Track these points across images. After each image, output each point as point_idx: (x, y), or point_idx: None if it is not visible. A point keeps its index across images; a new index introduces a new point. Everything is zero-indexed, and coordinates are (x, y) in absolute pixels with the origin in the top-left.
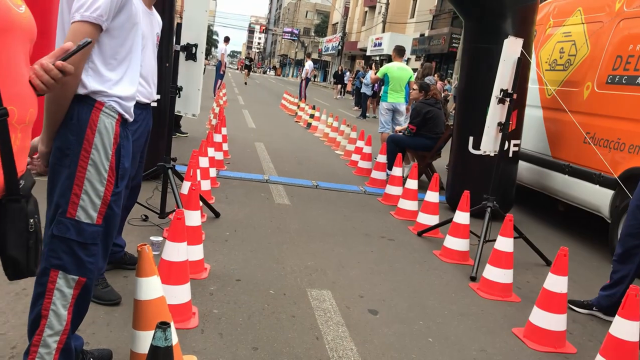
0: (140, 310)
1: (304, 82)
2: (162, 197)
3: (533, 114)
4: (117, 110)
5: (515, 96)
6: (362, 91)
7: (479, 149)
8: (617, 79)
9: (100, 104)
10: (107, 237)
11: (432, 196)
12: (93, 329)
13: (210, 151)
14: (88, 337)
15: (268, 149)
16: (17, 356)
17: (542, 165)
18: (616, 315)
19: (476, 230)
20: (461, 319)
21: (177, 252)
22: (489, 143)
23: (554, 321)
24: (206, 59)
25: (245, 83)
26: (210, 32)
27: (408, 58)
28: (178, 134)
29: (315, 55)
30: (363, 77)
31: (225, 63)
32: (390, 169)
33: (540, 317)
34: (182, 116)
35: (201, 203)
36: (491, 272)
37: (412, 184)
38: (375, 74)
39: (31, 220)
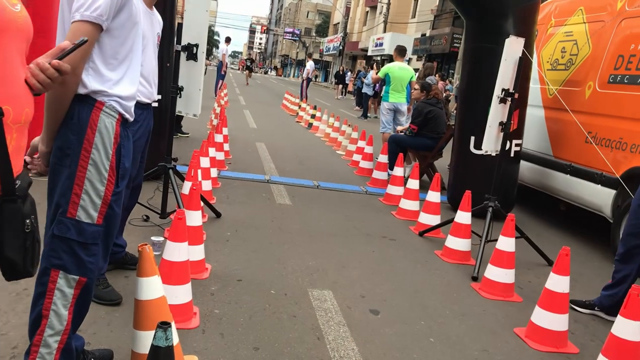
0: (141, 310)
1: (305, 82)
2: (163, 198)
3: (535, 114)
4: (117, 110)
5: (516, 96)
6: (363, 91)
7: (481, 149)
8: (618, 79)
9: (101, 103)
10: (107, 237)
11: (434, 196)
12: (94, 329)
13: (212, 151)
14: (89, 337)
15: (269, 149)
16: (18, 356)
17: (544, 165)
18: (618, 315)
19: (478, 230)
20: (463, 319)
21: (178, 252)
22: (491, 143)
23: (556, 321)
24: (207, 59)
25: (247, 83)
26: (212, 33)
27: (409, 58)
28: (179, 134)
29: (316, 56)
30: (364, 77)
31: (227, 63)
32: (391, 169)
33: (542, 317)
34: (183, 116)
35: (202, 203)
36: (493, 272)
37: (413, 184)
38: (377, 74)
39: (27, 221)
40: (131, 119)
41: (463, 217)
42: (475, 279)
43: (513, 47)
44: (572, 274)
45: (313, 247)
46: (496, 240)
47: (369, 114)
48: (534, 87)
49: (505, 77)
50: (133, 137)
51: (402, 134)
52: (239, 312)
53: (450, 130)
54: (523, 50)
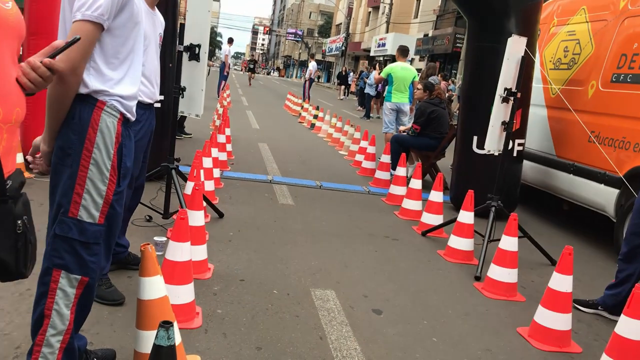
0: (144, 310)
1: (307, 82)
2: (166, 198)
3: (537, 113)
4: (118, 109)
5: (519, 95)
6: (365, 91)
7: (483, 149)
8: (621, 78)
9: (102, 103)
10: (109, 237)
11: (436, 196)
12: (97, 329)
13: (214, 152)
14: (92, 337)
15: (272, 149)
16: (21, 356)
17: (547, 165)
18: (622, 315)
19: (480, 229)
20: (465, 319)
21: (181, 252)
22: (493, 142)
23: (559, 320)
24: (210, 60)
25: (250, 84)
26: (214, 34)
27: (412, 58)
28: (183, 135)
29: (318, 56)
30: (367, 78)
31: (229, 64)
32: (394, 169)
33: (545, 317)
34: (186, 117)
35: (205, 203)
36: (496, 272)
37: (416, 183)
38: (379, 74)
39: (19, 222)
40: (133, 119)
41: (466, 216)
42: (478, 278)
43: (515, 46)
44: (575, 274)
45: (315, 247)
46: (499, 239)
47: (371, 114)
48: (537, 86)
49: (507, 77)
50: (135, 137)
51: (405, 134)
52: (241, 311)
53: (453, 130)
54: (525, 49)
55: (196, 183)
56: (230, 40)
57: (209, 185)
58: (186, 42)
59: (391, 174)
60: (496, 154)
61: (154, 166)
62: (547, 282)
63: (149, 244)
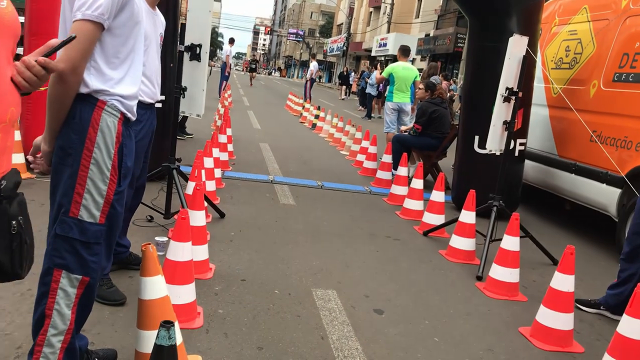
0: (145, 310)
1: (308, 82)
2: (167, 198)
3: (539, 113)
4: (119, 109)
5: (520, 94)
6: (367, 91)
7: (485, 148)
8: (623, 77)
9: (103, 102)
10: (110, 236)
11: (438, 196)
12: (98, 329)
13: (215, 152)
14: (93, 337)
15: (273, 149)
16: (23, 356)
17: (549, 164)
18: (624, 314)
19: (482, 229)
20: (467, 319)
21: (182, 252)
22: (495, 142)
23: (561, 320)
24: (211, 60)
25: (251, 84)
26: (215, 34)
27: (413, 58)
28: (185, 136)
29: (320, 56)
30: (368, 78)
31: (230, 65)
32: (395, 168)
33: (547, 316)
34: (187, 118)
35: (206, 203)
36: (497, 272)
37: (417, 183)
38: (381, 74)
39: (14, 222)
40: (133, 118)
41: (467, 216)
42: (479, 278)
43: (517, 45)
44: (577, 273)
45: (317, 247)
46: (501, 239)
47: (372, 114)
48: (538, 86)
49: (509, 76)
50: (136, 136)
51: (406, 133)
52: (242, 311)
53: (455, 130)
54: (527, 48)
55: (197, 183)
56: (232, 41)
57: (210, 186)
58: (187, 42)
59: (392, 174)
60: (498, 153)
61: (155, 166)
62: (548, 281)
63: (150, 244)
